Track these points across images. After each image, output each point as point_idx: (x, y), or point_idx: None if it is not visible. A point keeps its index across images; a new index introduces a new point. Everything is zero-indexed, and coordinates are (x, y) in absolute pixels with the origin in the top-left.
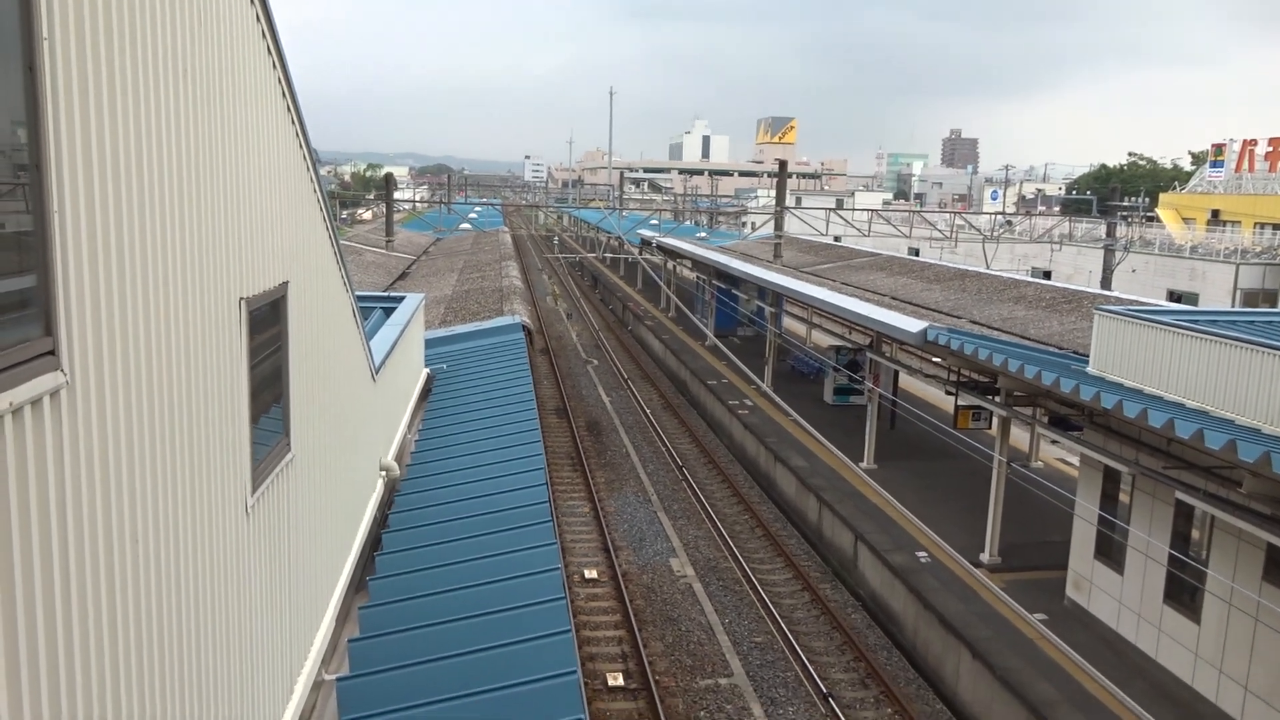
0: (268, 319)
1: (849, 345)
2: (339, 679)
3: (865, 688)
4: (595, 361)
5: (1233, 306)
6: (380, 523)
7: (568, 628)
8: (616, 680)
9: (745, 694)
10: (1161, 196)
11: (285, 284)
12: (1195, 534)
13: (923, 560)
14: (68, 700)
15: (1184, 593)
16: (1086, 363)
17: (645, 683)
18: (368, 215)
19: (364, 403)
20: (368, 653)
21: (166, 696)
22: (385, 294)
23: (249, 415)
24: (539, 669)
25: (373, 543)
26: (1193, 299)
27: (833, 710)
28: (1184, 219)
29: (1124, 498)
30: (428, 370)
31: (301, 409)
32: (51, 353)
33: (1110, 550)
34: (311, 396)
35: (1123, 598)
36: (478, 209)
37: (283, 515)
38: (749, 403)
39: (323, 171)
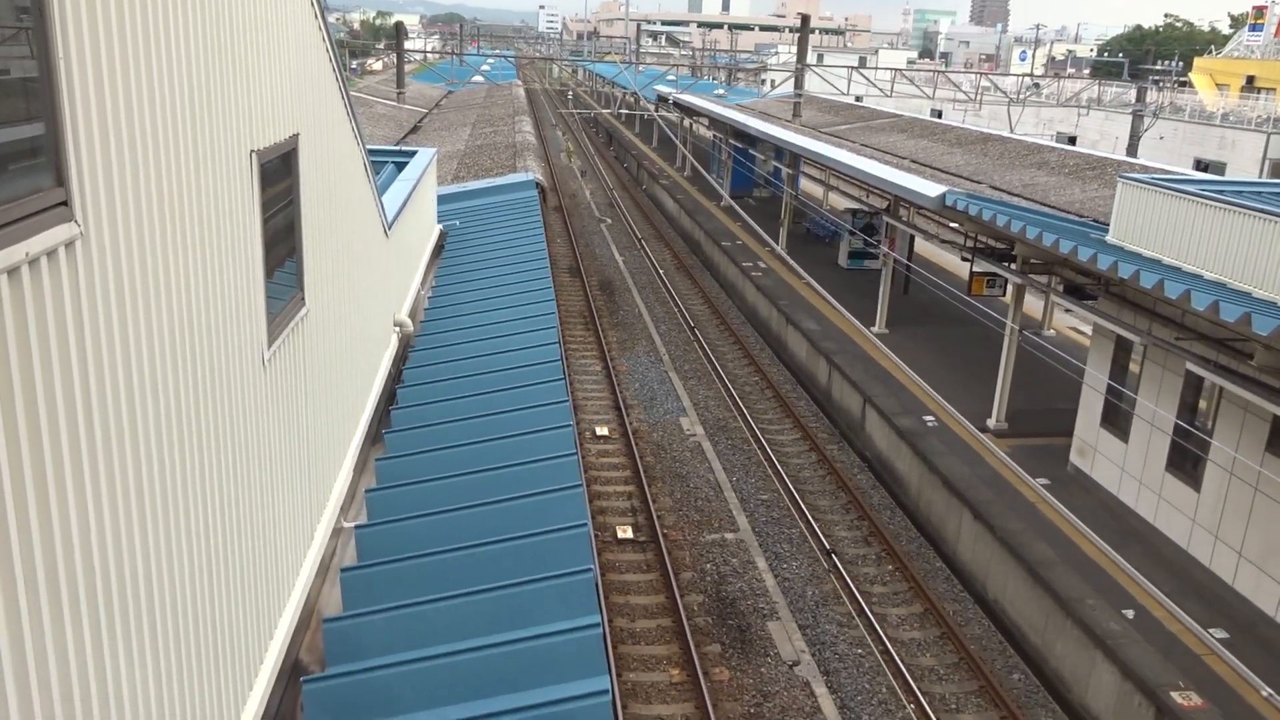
0: (279, 172)
1: (866, 209)
2: (357, 527)
3: (867, 545)
4: (609, 220)
5: (1261, 177)
6: (395, 378)
7: (579, 482)
8: (626, 533)
9: (750, 548)
10: (1196, 61)
11: (295, 136)
12: (1202, 404)
13: (930, 424)
14: (98, 550)
15: (1186, 461)
16: (1106, 231)
17: (653, 536)
18: (378, 65)
19: (377, 258)
20: (384, 502)
21: (191, 542)
22: (397, 148)
23: (263, 269)
24: (550, 521)
25: (388, 397)
26: (1221, 168)
27: (835, 565)
28: (1218, 85)
29: (1134, 367)
30: (440, 227)
31: (315, 264)
32: (64, 204)
33: (1116, 419)
34: (324, 251)
35: (1125, 465)
36: (490, 61)
37: (298, 368)
38: (762, 265)
39: (331, 19)
